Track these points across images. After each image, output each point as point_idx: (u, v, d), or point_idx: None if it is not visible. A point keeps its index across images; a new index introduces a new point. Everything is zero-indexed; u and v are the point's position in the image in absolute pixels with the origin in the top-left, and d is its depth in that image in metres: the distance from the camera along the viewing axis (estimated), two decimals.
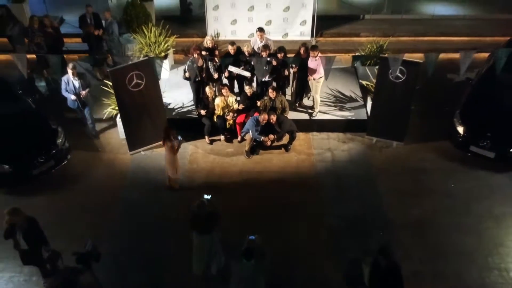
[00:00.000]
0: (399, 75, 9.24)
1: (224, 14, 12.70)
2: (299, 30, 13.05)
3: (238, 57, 9.85)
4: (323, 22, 13.49)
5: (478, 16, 14.33)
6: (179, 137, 8.47)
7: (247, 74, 9.82)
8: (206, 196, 6.87)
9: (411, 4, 14.89)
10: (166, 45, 11.48)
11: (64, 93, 9.50)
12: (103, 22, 11.90)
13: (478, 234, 8.17)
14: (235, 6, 12.60)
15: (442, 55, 10.74)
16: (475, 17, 14.31)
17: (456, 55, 9.71)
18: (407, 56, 9.21)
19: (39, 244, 6.68)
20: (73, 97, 9.46)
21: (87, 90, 9.73)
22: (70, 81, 9.41)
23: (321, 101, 10.54)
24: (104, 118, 10.59)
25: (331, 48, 12.92)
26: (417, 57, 9.75)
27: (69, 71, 9.33)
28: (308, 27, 13.00)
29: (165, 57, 11.60)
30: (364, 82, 10.85)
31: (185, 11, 14.11)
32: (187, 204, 7.25)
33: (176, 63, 12.33)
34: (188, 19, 14.04)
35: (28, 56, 9.54)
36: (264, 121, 9.29)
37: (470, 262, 7.72)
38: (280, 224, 8.25)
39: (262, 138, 9.49)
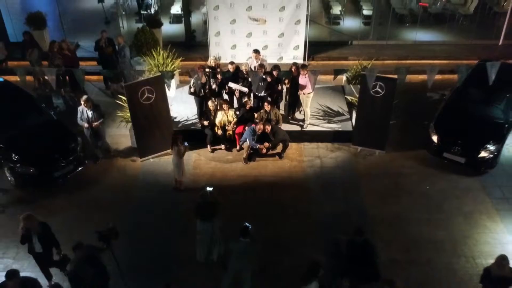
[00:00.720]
0: (379, 90, 10.51)
1: (224, 39, 14.07)
2: (293, 54, 14.37)
3: (237, 75, 11.15)
4: (315, 48, 14.93)
5: (455, 42, 15.74)
6: (185, 143, 9.66)
7: (245, 89, 11.10)
8: (208, 188, 8.01)
9: (395, 31, 16.34)
10: (173, 66, 12.77)
11: (79, 122, 10.41)
12: (116, 46, 13.29)
13: (448, 228, 9.26)
14: (235, 33, 13.97)
15: (422, 76, 12.15)
16: (453, 42, 15.72)
17: (438, 76, 11.01)
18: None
19: (51, 247, 7.59)
20: (86, 125, 10.40)
21: (100, 121, 10.58)
22: (84, 111, 10.35)
23: (311, 114, 11.79)
24: (117, 128, 11.84)
25: (321, 70, 14.20)
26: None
27: (82, 103, 10.29)
28: (300, 52, 14.36)
29: (172, 77, 12.89)
30: (349, 98, 12.14)
31: (189, 37, 15.54)
32: (191, 202, 8.37)
33: (181, 83, 13.64)
34: (192, 44, 15.44)
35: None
36: (260, 131, 10.50)
37: (441, 251, 8.78)
38: (273, 218, 9.34)
39: (258, 145, 10.68)
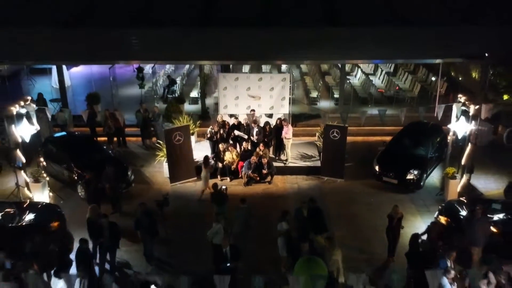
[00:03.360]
0: (336, 134, 15.49)
1: (230, 92, 18.44)
2: (282, 110, 19.21)
3: (239, 126, 16.24)
4: (298, 118, 20.19)
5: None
6: (212, 162, 14.35)
7: (245, 136, 16.11)
8: (223, 187, 12.63)
9: (356, 107, 21.74)
10: (193, 127, 17.86)
11: None
12: (151, 114, 18.56)
13: (383, 218, 13.38)
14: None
15: (377, 138, 17.21)
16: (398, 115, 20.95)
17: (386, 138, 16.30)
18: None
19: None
20: None
21: None
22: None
23: (292, 157, 16.63)
24: (153, 167, 16.63)
25: (301, 133, 19.31)
26: (359, 139, 16.81)
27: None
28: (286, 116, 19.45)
29: (192, 134, 17.96)
30: (318, 143, 17.10)
31: (204, 111, 20.94)
32: (208, 210, 12.80)
33: (197, 141, 18.61)
34: (206, 117, 20.74)
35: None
36: (254, 160, 15.26)
37: (377, 231, 12.90)
38: (263, 215, 13.65)
39: (250, 172, 15.33)
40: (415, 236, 10.68)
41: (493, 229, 11.47)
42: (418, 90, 22.59)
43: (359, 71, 26.13)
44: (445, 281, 8.96)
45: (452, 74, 25.15)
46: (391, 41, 19.08)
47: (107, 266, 11.29)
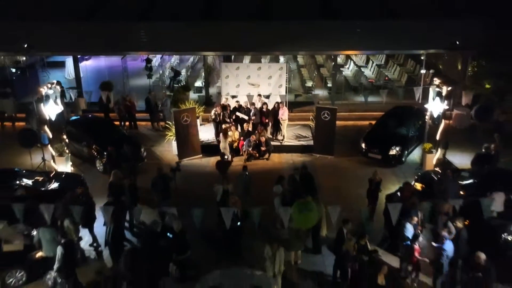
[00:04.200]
0: (326, 116, 17.31)
1: (231, 81, 20.14)
2: (277, 99, 21.05)
3: (240, 109, 18.07)
4: (295, 105, 22.00)
5: (389, 102, 22.79)
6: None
7: (246, 117, 17.94)
8: (226, 156, 14.46)
9: (348, 95, 23.58)
10: (198, 111, 19.68)
11: None
12: (161, 99, 20.41)
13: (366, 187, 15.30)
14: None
15: (365, 122, 19.04)
16: (388, 102, 22.77)
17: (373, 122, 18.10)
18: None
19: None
20: None
21: None
22: None
23: (287, 137, 18.46)
24: (162, 147, 18.46)
25: (297, 118, 21.13)
26: (350, 123, 18.67)
27: None
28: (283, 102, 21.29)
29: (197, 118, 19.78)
30: (311, 125, 18.93)
31: (208, 98, 22.76)
32: (212, 182, 14.60)
33: (202, 124, 20.42)
34: (209, 103, 22.55)
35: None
36: (253, 139, 17.09)
37: (361, 202, 14.67)
38: (261, 184, 15.46)
39: (250, 149, 17.16)
40: (389, 196, 12.51)
41: (461, 192, 13.31)
42: (406, 80, 24.40)
43: (352, 63, 27.94)
44: (408, 225, 10.80)
45: (440, 66, 26.95)
46: (380, 34, 20.99)
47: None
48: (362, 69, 26.98)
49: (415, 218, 10.95)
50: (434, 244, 10.66)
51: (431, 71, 24.26)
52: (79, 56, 23.91)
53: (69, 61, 25.86)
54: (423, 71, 20.04)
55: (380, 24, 21.12)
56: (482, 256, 9.80)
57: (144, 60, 24.40)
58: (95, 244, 12.63)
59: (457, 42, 18.11)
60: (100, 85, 21.63)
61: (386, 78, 25.27)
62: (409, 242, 10.93)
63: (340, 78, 25.39)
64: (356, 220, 13.60)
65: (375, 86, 24.64)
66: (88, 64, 29.49)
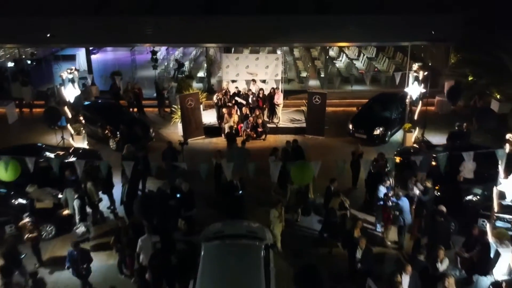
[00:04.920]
0: (317, 100, 19.16)
1: (231, 70, 21.92)
2: (273, 85, 22.81)
3: (239, 94, 19.92)
4: (290, 93, 23.84)
5: (377, 90, 24.64)
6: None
7: (244, 101, 19.80)
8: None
9: (341, 85, 25.45)
10: (201, 97, 21.52)
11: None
12: (167, 87, 22.26)
13: None
14: (238, 66, 22.27)
15: (354, 108, 20.85)
16: (376, 90, 24.62)
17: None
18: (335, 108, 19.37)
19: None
20: None
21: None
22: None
23: (282, 120, 20.31)
24: (168, 129, 20.31)
25: (292, 105, 22.98)
26: (340, 109, 20.42)
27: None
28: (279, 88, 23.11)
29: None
30: (304, 109, 20.79)
31: (209, 87, 24.63)
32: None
33: (204, 109, 22.26)
34: (211, 91, 24.40)
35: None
36: (251, 121, 18.94)
37: (347, 175, 16.55)
38: (259, 164, 17.29)
39: (248, 130, 19.01)
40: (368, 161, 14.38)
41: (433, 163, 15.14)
42: (393, 71, 26.19)
43: (344, 56, 29.80)
44: (381, 187, 12.69)
45: (425, 58, 28.76)
46: (369, 27, 22.87)
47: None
48: (354, 62, 28.83)
49: (387, 182, 12.82)
50: (392, 199, 12.47)
51: (418, 64, 26.10)
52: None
53: (79, 54, 27.69)
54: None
55: (369, 19, 22.97)
56: (443, 208, 11.67)
57: (149, 52, 26.24)
58: (112, 207, 14.50)
59: (433, 32, 19.79)
60: (111, 73, 23.51)
61: (376, 69, 27.09)
62: (381, 202, 12.81)
63: (332, 69, 27.24)
64: (341, 187, 15.57)
65: (365, 76, 26.49)
66: (96, 58, 31.32)
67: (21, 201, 13.35)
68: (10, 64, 25.82)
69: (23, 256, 11.14)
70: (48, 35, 20.35)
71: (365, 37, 23.65)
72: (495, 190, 11.62)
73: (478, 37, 22.19)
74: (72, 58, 28.98)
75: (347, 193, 15.21)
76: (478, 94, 20.95)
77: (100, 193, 14.22)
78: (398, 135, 19.82)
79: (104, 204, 14.62)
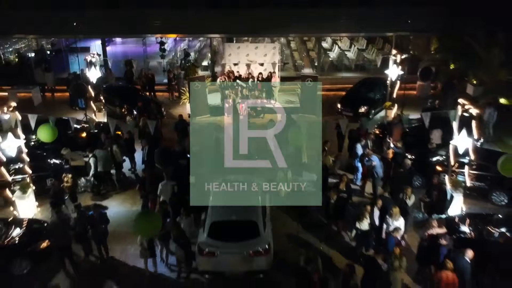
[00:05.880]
0: (310, 82, 21.70)
1: (233, 58, 24.38)
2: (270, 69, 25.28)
3: (240, 77, 22.50)
4: (286, 79, 26.40)
5: (362, 77, 27.05)
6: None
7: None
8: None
9: (332, 73, 27.99)
10: (206, 81, 24.05)
11: None
12: (176, 73, 24.82)
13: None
14: (239, 54, 24.91)
15: (343, 93, 23.39)
16: (361, 77, 27.02)
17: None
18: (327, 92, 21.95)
19: None
20: None
21: None
22: None
23: (278, 101, 22.86)
24: (180, 104, 22.91)
25: (288, 89, 25.50)
26: (331, 93, 22.57)
27: None
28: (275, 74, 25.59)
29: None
30: (298, 91, 23.36)
31: (213, 75, 27.17)
32: None
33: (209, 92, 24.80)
34: (215, 78, 26.93)
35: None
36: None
37: (336, 145, 19.13)
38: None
39: (248, 109, 21.55)
40: (350, 130, 16.97)
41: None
42: (380, 60, 28.76)
43: (337, 47, 32.33)
44: (358, 145, 15.28)
45: (414, 51, 31.30)
46: (357, 18, 25.43)
47: None
48: (346, 52, 31.35)
49: (363, 141, 15.39)
50: (366, 158, 15.06)
51: (404, 55, 28.66)
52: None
53: (93, 45, 30.25)
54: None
55: (357, 11, 25.53)
56: (408, 162, 14.24)
57: (158, 42, 28.80)
58: (132, 169, 17.06)
59: (409, 21, 22.23)
60: (125, 61, 26.09)
61: (364, 59, 29.63)
62: (358, 159, 15.38)
63: (325, 58, 29.79)
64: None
65: (355, 65, 29.07)
66: (109, 49, 33.85)
67: (56, 161, 15.95)
68: (31, 54, 28.41)
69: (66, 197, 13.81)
70: (75, 24, 22.52)
71: (352, 28, 26.23)
72: (451, 147, 14.15)
73: (455, 27, 24.65)
74: (86, 50, 31.58)
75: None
76: (449, 77, 23.36)
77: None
78: (382, 113, 22.34)
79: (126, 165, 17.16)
